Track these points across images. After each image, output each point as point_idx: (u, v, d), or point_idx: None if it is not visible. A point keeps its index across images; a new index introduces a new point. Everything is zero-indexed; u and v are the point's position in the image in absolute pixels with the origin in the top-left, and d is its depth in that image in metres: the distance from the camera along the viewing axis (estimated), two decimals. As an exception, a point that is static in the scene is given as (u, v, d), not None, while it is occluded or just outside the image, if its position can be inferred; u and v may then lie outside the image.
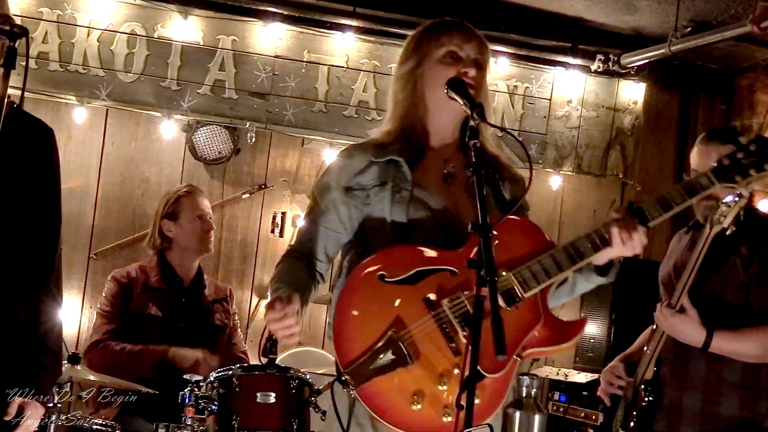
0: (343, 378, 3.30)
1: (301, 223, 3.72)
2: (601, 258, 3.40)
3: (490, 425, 3.24)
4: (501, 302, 3.26)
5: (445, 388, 3.30)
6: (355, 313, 3.43)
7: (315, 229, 3.63)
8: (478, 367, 3.13)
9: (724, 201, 4.26)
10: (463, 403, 3.09)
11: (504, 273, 3.33)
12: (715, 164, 3.46)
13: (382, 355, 3.32)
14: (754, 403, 4.67)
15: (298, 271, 3.59)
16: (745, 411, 4.68)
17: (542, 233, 3.45)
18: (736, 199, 4.19)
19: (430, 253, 3.45)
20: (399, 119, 3.63)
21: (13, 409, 3.53)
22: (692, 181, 3.42)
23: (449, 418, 3.27)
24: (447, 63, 3.53)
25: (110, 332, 5.92)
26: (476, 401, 3.18)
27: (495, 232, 3.22)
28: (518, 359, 3.37)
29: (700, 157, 4.75)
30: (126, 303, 5.97)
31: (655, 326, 4.77)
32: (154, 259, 6.12)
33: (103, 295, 6.07)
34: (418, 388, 3.32)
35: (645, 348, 4.73)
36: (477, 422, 3.21)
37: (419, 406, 3.30)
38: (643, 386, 4.70)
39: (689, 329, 4.37)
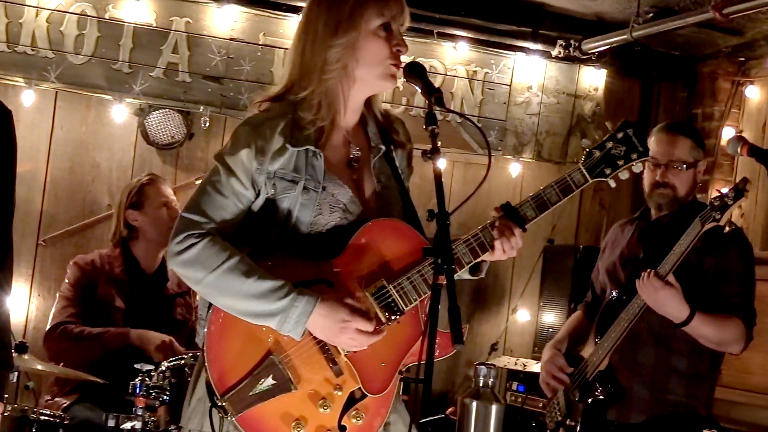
0: (221, 404, 3.22)
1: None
2: (489, 257, 3.38)
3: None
4: (382, 317, 3.27)
5: (328, 411, 3.27)
6: (232, 335, 3.32)
7: (227, 203, 3.41)
8: (361, 388, 3.25)
9: (713, 199, 4.42)
10: (345, 425, 3.26)
11: (385, 285, 3.28)
12: (584, 157, 3.42)
13: (262, 380, 3.25)
14: (696, 391, 4.80)
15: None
16: (689, 398, 4.78)
17: (416, 236, 3.37)
18: (730, 201, 4.32)
19: (304, 265, 3.37)
20: (324, 91, 3.42)
21: None
22: (567, 179, 3.38)
23: None
24: (382, 37, 3.41)
25: (72, 315, 5.95)
26: (359, 422, 3.28)
27: (363, 240, 3.35)
28: (399, 375, 3.33)
29: (659, 146, 4.83)
30: (89, 290, 5.99)
31: (602, 320, 4.83)
32: (117, 249, 6.11)
33: (66, 280, 6.08)
34: (300, 414, 3.29)
35: (596, 340, 4.78)
36: None
37: (302, 430, 3.27)
38: (597, 377, 4.75)
39: (675, 303, 4.45)
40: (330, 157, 3.43)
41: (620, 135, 3.42)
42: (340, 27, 3.42)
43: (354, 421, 3.27)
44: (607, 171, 3.41)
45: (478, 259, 3.33)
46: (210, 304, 3.35)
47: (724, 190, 4.33)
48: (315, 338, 3.27)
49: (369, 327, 3.22)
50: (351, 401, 3.29)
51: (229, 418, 3.24)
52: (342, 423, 3.27)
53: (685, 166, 4.79)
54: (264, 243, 3.40)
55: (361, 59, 3.43)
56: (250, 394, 3.24)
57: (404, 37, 3.48)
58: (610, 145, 3.40)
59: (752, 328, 4.62)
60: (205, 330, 3.33)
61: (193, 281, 3.31)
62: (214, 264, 3.25)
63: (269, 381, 3.25)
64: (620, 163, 3.41)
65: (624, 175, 3.43)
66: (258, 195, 3.38)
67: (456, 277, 3.26)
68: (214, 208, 3.33)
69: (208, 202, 3.35)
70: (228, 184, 3.36)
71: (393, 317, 3.26)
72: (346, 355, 3.29)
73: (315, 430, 3.27)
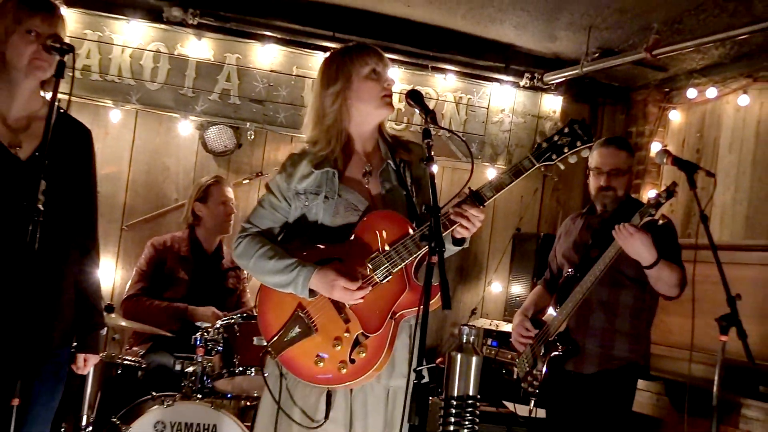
0: (268, 349, 3.50)
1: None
2: (457, 231, 3.43)
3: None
4: (378, 278, 3.43)
5: (340, 348, 3.47)
6: (271, 299, 3.58)
7: (267, 215, 3.66)
8: (363, 331, 3.44)
9: (650, 198, 4.49)
10: (354, 358, 3.43)
11: (379, 255, 3.45)
12: (535, 148, 3.45)
13: (291, 330, 3.51)
14: (636, 346, 4.85)
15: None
16: (631, 353, 4.80)
17: (402, 219, 3.48)
18: (663, 200, 4.40)
19: (323, 248, 3.55)
20: (326, 129, 3.62)
21: (80, 363, 3.69)
22: (518, 165, 3.43)
23: (345, 370, 3.45)
24: (373, 79, 3.60)
25: (143, 289, 6.02)
26: (363, 356, 3.45)
27: (364, 227, 3.52)
28: (392, 321, 3.45)
29: (601, 157, 4.88)
30: (159, 265, 6.04)
31: (560, 293, 4.87)
32: (186, 232, 6.17)
33: (143, 257, 6.16)
34: (320, 351, 3.49)
35: (556, 308, 4.83)
36: (366, 371, 3.45)
37: (322, 365, 3.48)
38: (558, 337, 4.80)
39: (647, 246, 4.46)
40: (349, 173, 3.65)
41: (566, 130, 3.43)
42: (330, 82, 3.64)
43: (360, 355, 3.44)
44: (554, 157, 3.42)
45: (448, 231, 3.41)
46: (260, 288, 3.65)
47: (652, 193, 4.33)
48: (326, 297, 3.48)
49: (352, 285, 3.41)
50: (357, 341, 3.46)
51: (274, 359, 3.51)
52: (351, 357, 3.43)
53: (622, 172, 4.88)
54: (304, 238, 3.60)
55: (359, 98, 3.63)
56: (285, 340, 3.47)
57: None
58: (556, 138, 3.43)
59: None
60: (257, 300, 3.66)
61: (245, 268, 3.69)
62: (251, 253, 3.55)
63: (296, 329, 3.48)
64: (566, 150, 3.41)
65: (572, 159, 3.45)
66: (290, 206, 3.62)
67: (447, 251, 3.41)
68: (257, 218, 3.66)
69: (255, 214, 3.69)
70: (267, 201, 3.67)
71: (385, 278, 3.43)
72: (350, 307, 3.44)
73: (332, 363, 3.46)
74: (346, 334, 3.45)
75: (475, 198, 3.40)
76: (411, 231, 3.42)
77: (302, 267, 3.43)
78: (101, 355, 5.09)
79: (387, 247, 3.44)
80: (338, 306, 3.47)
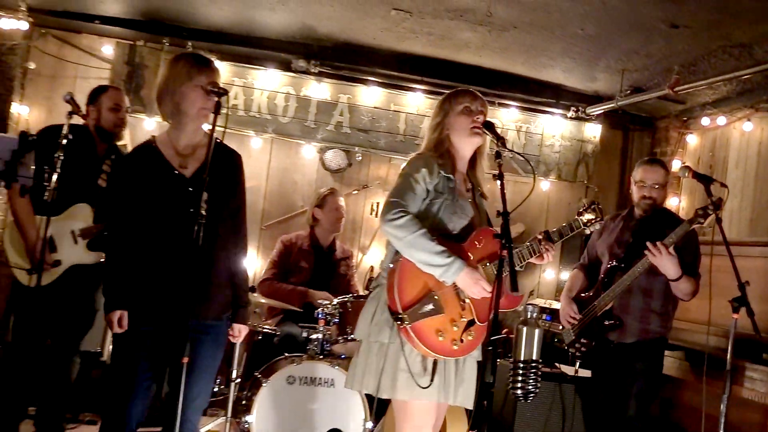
0: (401, 316, 3.39)
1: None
2: (538, 262, 3.67)
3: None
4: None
5: (456, 329, 3.45)
6: (411, 275, 3.48)
7: (412, 197, 3.57)
8: (474, 318, 3.45)
9: (698, 209, 4.40)
10: (463, 339, 3.43)
11: (488, 264, 3.49)
12: (577, 216, 3.80)
13: (425, 305, 3.44)
14: (664, 323, 4.77)
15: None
16: (661, 328, 4.73)
17: (493, 233, 3.53)
18: (711, 211, 4.33)
19: (453, 245, 3.52)
20: (435, 147, 3.66)
21: (236, 332, 3.74)
22: (572, 223, 3.79)
23: (456, 347, 3.44)
24: (465, 114, 3.62)
25: (274, 274, 6.07)
26: (471, 338, 3.45)
27: (475, 237, 3.58)
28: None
29: (644, 174, 4.83)
30: (287, 256, 6.10)
31: (605, 278, 4.81)
32: (307, 230, 6.22)
33: (275, 250, 6.22)
34: (442, 328, 3.45)
35: (601, 291, 4.77)
36: (470, 349, 3.49)
37: (441, 339, 3.44)
38: (603, 315, 4.75)
39: (674, 265, 4.44)
40: (458, 185, 3.64)
41: (592, 206, 3.85)
42: (437, 114, 3.71)
43: (468, 337, 3.44)
44: (588, 224, 3.83)
45: (533, 260, 3.60)
46: (392, 261, 3.54)
47: (676, 205, 4.26)
48: (455, 285, 3.45)
49: (488, 287, 3.39)
50: (468, 325, 3.42)
51: (407, 325, 3.38)
52: (462, 337, 3.41)
53: (661, 186, 4.81)
54: (429, 229, 3.53)
55: (454, 129, 3.62)
56: (419, 312, 3.42)
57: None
58: (584, 208, 3.86)
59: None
60: (386, 274, 3.53)
61: (395, 237, 3.48)
62: (413, 230, 3.44)
63: (430, 306, 3.43)
64: (591, 220, 3.84)
65: (596, 227, 3.91)
66: (426, 196, 3.57)
67: (522, 265, 3.62)
68: (409, 200, 3.53)
69: (406, 196, 3.54)
70: (416, 186, 3.55)
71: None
72: (469, 298, 3.42)
73: (448, 339, 3.46)
74: (462, 319, 3.45)
75: (548, 238, 3.64)
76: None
77: (457, 259, 3.42)
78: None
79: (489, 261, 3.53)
80: (461, 296, 3.47)
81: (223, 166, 3.60)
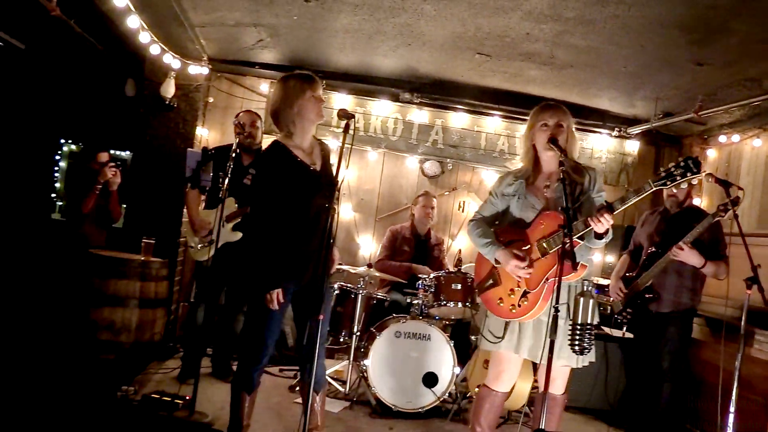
0: (476, 289, 3.53)
1: (480, 203, 3.74)
2: (595, 229, 3.14)
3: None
4: (538, 253, 3.29)
5: (512, 297, 3.37)
6: (482, 262, 3.55)
7: (488, 207, 3.60)
8: (525, 287, 3.30)
9: (720, 204, 4.22)
10: (520, 304, 3.31)
11: (543, 240, 3.30)
12: (654, 176, 3.02)
13: (489, 280, 3.45)
14: (693, 297, 4.65)
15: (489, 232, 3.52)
16: (691, 301, 4.61)
17: (558, 218, 3.25)
18: (730, 207, 4.13)
19: (514, 231, 3.43)
20: (523, 158, 3.57)
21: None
22: (640, 187, 3.08)
23: (514, 311, 3.36)
24: (542, 130, 3.44)
25: (386, 256, 6.07)
26: (525, 303, 3.32)
27: (538, 220, 3.35)
28: (546, 283, 3.28)
29: None
30: (394, 242, 6.11)
31: (646, 260, 4.68)
32: (409, 223, 6.23)
33: (385, 237, 6.24)
34: (501, 296, 3.40)
35: (642, 272, 4.65)
36: (526, 313, 3.33)
37: (502, 305, 3.38)
38: (645, 289, 4.62)
39: (696, 257, 4.33)
40: (536, 183, 3.50)
41: (682, 163, 2.95)
42: (528, 126, 3.55)
43: (524, 303, 3.32)
44: (668, 183, 2.98)
45: (587, 229, 3.16)
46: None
47: (698, 204, 4.10)
48: None
49: (521, 264, 3.30)
50: (523, 294, 3.33)
51: (478, 295, 3.54)
52: (518, 303, 3.32)
53: (688, 185, 4.63)
54: (507, 223, 3.52)
55: (536, 140, 3.49)
56: (484, 286, 3.42)
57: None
58: (672, 168, 2.97)
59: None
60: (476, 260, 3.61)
61: (471, 238, 3.56)
62: (476, 232, 3.53)
63: (491, 281, 3.44)
64: (678, 178, 2.95)
65: (684, 185, 3.00)
66: (499, 201, 3.54)
67: (588, 242, 3.29)
68: (483, 208, 3.61)
69: (482, 206, 3.63)
70: (489, 199, 3.60)
71: (544, 255, 3.30)
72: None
73: (506, 305, 3.40)
74: (517, 288, 3.36)
75: (608, 207, 3.16)
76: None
77: (493, 245, 3.40)
78: (364, 292, 5.18)
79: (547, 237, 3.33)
80: None
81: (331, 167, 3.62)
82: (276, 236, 3.43)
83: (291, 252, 3.45)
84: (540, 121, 3.46)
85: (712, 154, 6.83)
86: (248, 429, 3.66)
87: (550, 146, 3.37)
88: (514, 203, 3.49)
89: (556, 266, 3.16)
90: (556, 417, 3.46)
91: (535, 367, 4.47)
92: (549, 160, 3.47)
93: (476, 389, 4.64)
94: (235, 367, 3.70)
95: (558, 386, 3.47)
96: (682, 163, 2.96)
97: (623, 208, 3.10)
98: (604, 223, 3.11)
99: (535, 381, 4.53)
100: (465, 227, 3.61)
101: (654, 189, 3.02)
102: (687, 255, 4.33)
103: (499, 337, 3.41)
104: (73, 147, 8.52)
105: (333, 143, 3.71)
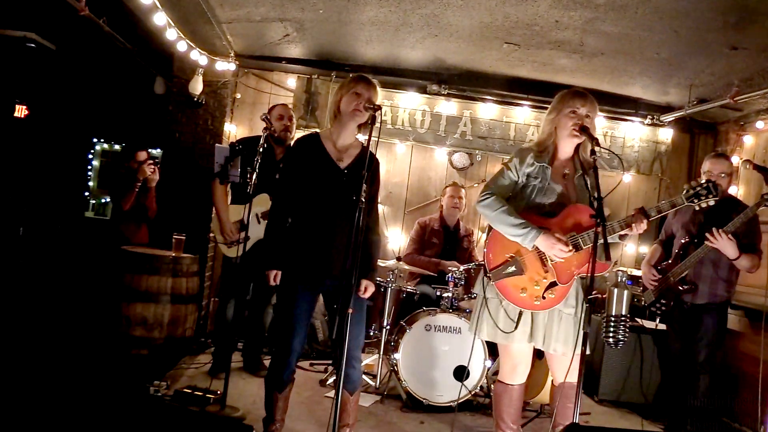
0: (488, 275, 3.31)
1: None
2: (634, 233, 3.28)
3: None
4: (571, 249, 3.24)
5: (537, 288, 3.28)
6: (497, 242, 3.35)
7: (505, 182, 3.45)
8: (555, 281, 3.25)
9: (764, 194, 4.16)
10: (545, 296, 3.25)
11: (575, 234, 3.24)
12: (685, 191, 3.28)
13: (509, 267, 3.30)
14: (729, 288, 4.55)
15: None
16: (726, 292, 4.51)
17: (589, 210, 3.25)
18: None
19: (540, 218, 3.32)
20: (542, 141, 3.45)
21: (363, 288, 3.55)
22: (673, 200, 3.29)
23: (538, 303, 3.28)
24: (570, 116, 3.35)
25: (414, 249, 6.03)
26: (552, 296, 3.27)
27: (566, 213, 3.31)
28: (576, 277, 3.26)
29: (712, 165, 4.55)
30: (423, 235, 6.07)
31: (680, 251, 4.59)
32: (438, 214, 6.19)
33: (413, 230, 6.19)
34: (524, 286, 3.30)
35: (679, 262, 4.55)
36: (551, 306, 3.29)
37: (524, 295, 3.29)
38: (680, 281, 4.53)
39: (732, 248, 4.22)
40: (554, 170, 3.41)
41: (704, 184, 3.27)
42: (550, 112, 3.44)
43: (550, 296, 3.27)
44: (695, 201, 3.28)
45: (622, 232, 3.27)
46: (488, 232, 3.43)
47: (734, 192, 4.03)
48: (538, 250, 3.27)
49: (566, 248, 3.20)
50: (550, 285, 3.27)
51: (491, 284, 3.32)
52: (544, 295, 3.26)
53: (727, 175, 4.51)
54: (524, 206, 3.39)
55: (560, 126, 3.40)
56: (502, 273, 3.31)
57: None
58: (698, 188, 3.27)
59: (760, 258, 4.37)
60: (486, 241, 3.40)
61: (485, 215, 3.37)
62: (496, 207, 3.32)
63: (512, 268, 3.32)
64: (703, 198, 3.28)
65: (703, 204, 3.30)
66: (518, 180, 3.39)
67: (618, 239, 3.35)
68: (497, 184, 3.42)
69: (495, 181, 3.44)
70: (506, 173, 3.42)
71: (576, 249, 3.22)
72: (552, 262, 3.27)
73: (530, 295, 3.30)
74: (543, 280, 3.29)
75: (644, 213, 3.26)
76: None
77: (532, 228, 3.24)
78: (393, 285, 5.16)
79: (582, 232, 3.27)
80: (543, 260, 3.30)
81: (370, 166, 3.57)
82: (286, 221, 3.52)
83: (308, 244, 3.49)
84: (568, 108, 3.38)
85: (749, 140, 6.66)
86: (282, 424, 3.67)
87: (578, 134, 3.32)
88: (532, 185, 3.39)
89: (587, 261, 3.12)
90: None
91: (539, 356, 4.40)
92: (568, 146, 3.42)
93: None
94: (266, 361, 3.72)
95: (571, 375, 3.44)
96: (705, 185, 3.27)
97: (656, 217, 3.30)
98: (641, 229, 3.27)
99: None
100: (477, 207, 3.47)
101: (686, 204, 3.30)
102: (724, 244, 4.22)
103: (511, 329, 3.36)
104: (105, 146, 8.62)
105: (360, 136, 3.67)
